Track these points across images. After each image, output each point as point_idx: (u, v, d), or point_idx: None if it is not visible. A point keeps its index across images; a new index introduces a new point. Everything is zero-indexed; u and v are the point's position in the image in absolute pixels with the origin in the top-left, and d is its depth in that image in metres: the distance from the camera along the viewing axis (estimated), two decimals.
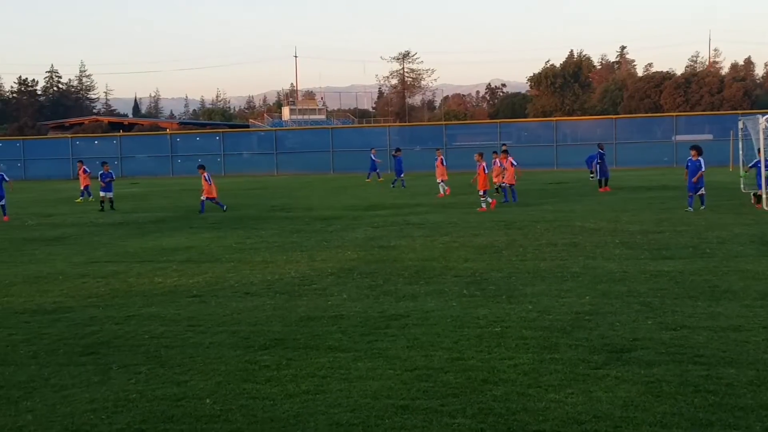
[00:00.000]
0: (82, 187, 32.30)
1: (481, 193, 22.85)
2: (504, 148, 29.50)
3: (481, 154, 23.56)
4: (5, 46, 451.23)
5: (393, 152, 35.10)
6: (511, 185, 25.15)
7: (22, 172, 54.94)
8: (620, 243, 14.68)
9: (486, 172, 22.98)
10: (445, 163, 29.83)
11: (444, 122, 70.60)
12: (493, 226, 18.05)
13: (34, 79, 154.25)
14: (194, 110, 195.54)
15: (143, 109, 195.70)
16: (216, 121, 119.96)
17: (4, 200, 23.17)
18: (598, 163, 29.72)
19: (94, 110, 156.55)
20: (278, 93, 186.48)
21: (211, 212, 24.55)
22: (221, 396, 6.48)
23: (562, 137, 53.53)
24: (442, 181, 29.09)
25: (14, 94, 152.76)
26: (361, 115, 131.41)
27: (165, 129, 78.42)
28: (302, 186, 38.50)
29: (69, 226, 21.41)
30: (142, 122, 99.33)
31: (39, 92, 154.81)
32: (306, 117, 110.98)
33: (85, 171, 33.03)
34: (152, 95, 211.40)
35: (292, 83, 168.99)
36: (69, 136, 67.43)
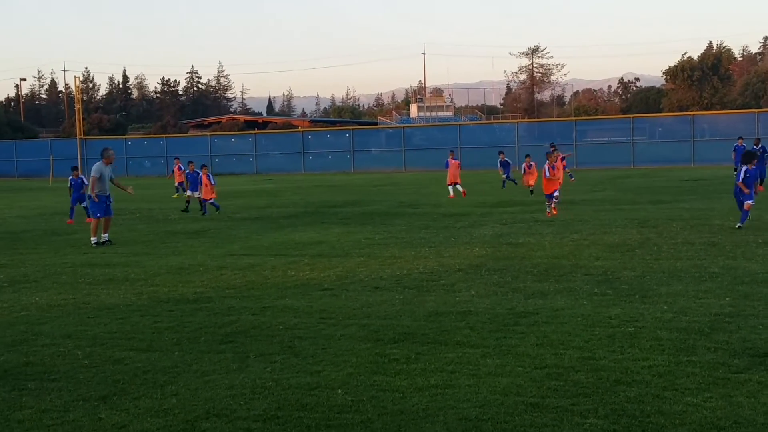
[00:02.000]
0: (176, 183, 34.17)
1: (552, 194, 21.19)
2: (552, 148, 28.14)
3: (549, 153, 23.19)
4: (150, 49, 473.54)
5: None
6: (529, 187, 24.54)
7: (165, 168, 57.41)
8: (763, 243, 14.03)
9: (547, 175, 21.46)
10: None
11: (574, 118, 69.26)
12: (626, 224, 17.60)
13: (176, 80, 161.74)
14: (325, 108, 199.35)
15: (276, 107, 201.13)
16: (346, 118, 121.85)
17: (84, 203, 21.21)
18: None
19: (231, 109, 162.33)
20: (406, 90, 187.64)
21: (341, 207, 25.02)
22: (352, 387, 6.62)
23: (699, 132, 51.52)
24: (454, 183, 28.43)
25: (158, 95, 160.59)
26: (489, 111, 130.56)
27: (297, 127, 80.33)
28: (430, 182, 38.64)
29: (208, 220, 22.30)
30: (275, 120, 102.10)
31: (180, 92, 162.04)
32: (434, 114, 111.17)
33: (180, 168, 34.21)
34: (285, 94, 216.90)
35: (420, 80, 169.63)
36: (208, 134, 70.18)
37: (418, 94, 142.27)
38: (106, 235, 17.12)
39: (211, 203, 24.50)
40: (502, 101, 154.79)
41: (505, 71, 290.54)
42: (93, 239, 16.90)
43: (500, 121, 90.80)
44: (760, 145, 27.44)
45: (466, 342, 8.01)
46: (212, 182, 24.52)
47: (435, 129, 66.73)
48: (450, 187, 28.55)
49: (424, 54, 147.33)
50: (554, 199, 20.88)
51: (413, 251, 14.67)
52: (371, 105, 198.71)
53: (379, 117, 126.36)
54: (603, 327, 8.44)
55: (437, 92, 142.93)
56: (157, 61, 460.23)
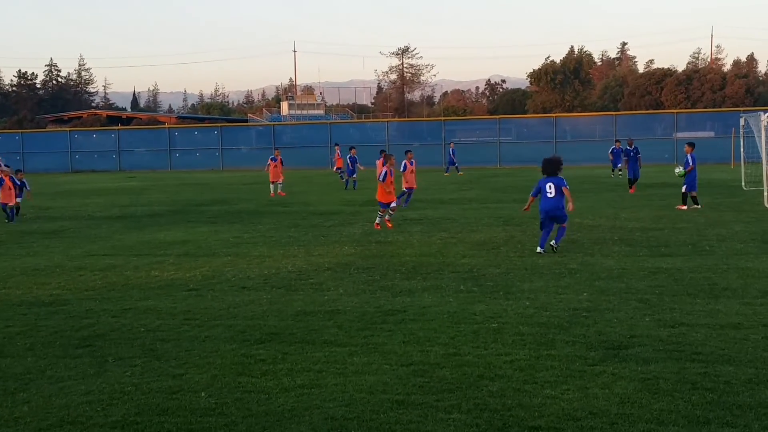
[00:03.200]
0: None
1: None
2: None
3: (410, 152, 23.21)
4: (5, 40, 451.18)
5: (349, 150, 33.20)
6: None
7: (21, 165, 54.72)
8: (618, 240, 14.66)
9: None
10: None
11: (443, 118, 70.54)
12: (492, 223, 18.03)
13: (33, 73, 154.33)
14: (193, 104, 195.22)
15: (142, 103, 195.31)
16: (214, 115, 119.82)
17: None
18: (625, 159, 28.35)
19: (93, 104, 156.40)
20: (277, 88, 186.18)
21: (209, 206, 24.53)
22: (216, 389, 6.46)
23: (561, 134, 53.46)
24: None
25: (14, 88, 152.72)
26: (360, 110, 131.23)
27: (163, 123, 78.31)
28: (300, 181, 38.45)
29: (66, 219, 21.38)
30: (140, 116, 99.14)
31: (38, 86, 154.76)
32: (305, 112, 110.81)
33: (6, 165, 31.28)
34: (151, 89, 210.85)
35: (291, 78, 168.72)
36: (68, 129, 67.28)
37: (288, 92, 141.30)
38: None
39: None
40: (373, 100, 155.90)
41: (375, 71, 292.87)
42: None
43: (371, 120, 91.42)
44: (633, 146, 28.30)
45: (333, 341, 7.97)
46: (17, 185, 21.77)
47: (306, 127, 66.48)
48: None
49: (294, 51, 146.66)
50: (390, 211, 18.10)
51: (282, 250, 14.53)
52: (241, 102, 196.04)
53: (249, 114, 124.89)
54: (468, 323, 8.58)
55: (308, 90, 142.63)
56: (12, 53, 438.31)
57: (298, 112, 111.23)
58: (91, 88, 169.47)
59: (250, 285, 11.18)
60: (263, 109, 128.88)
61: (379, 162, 20.26)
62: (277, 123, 73.99)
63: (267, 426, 5.65)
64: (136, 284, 11.39)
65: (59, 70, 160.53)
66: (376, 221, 17.78)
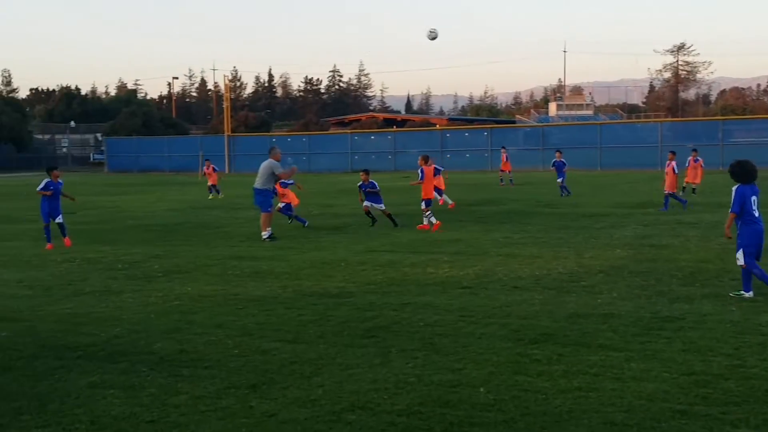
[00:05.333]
0: (210, 185, 32.85)
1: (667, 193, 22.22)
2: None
3: (673, 153, 23.14)
4: (293, 49, 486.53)
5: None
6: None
7: (308, 165, 58.84)
8: None
9: (676, 172, 22.28)
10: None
11: (720, 117, 66.28)
12: None
13: (318, 79, 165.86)
14: (462, 107, 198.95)
15: (415, 105, 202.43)
16: (483, 117, 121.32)
17: (60, 217, 17.18)
18: None
19: (371, 107, 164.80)
20: (545, 89, 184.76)
21: (478, 206, 24.97)
22: (494, 386, 6.64)
23: None
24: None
25: (301, 93, 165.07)
26: (631, 110, 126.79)
27: (435, 125, 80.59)
28: (568, 182, 37.91)
29: (348, 216, 22.76)
30: (413, 118, 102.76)
31: (322, 91, 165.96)
32: (573, 112, 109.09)
33: (214, 169, 33.66)
34: (423, 92, 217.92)
35: (559, 78, 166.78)
36: (348, 131, 71.44)
37: (557, 92, 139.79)
38: (264, 233, 17.50)
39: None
40: (644, 100, 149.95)
41: (648, 69, 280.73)
42: (264, 233, 17.37)
43: (642, 120, 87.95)
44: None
45: (609, 345, 7.87)
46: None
47: (574, 128, 65.31)
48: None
49: (564, 52, 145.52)
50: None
51: (552, 251, 14.49)
52: (509, 103, 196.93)
53: (517, 116, 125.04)
54: (753, 334, 8.11)
55: (577, 90, 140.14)
56: (301, 61, 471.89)
57: (567, 112, 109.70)
58: (369, 93, 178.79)
59: (521, 285, 11.29)
60: (531, 110, 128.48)
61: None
62: (545, 124, 73.49)
63: (545, 426, 5.74)
64: (414, 280, 11.91)
65: (341, 76, 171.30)
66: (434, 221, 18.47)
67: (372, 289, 11.20)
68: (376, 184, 19.73)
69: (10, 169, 76.97)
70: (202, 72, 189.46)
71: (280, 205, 20.15)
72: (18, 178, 61.26)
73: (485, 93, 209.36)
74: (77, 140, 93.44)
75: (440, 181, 23.60)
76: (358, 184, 19.88)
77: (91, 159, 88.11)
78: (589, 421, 5.78)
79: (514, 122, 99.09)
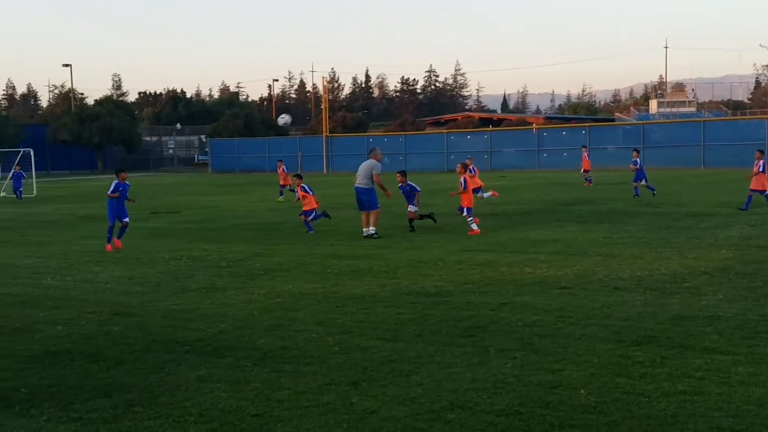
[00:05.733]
0: (281, 185, 32.39)
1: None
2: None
3: (761, 152, 22.39)
4: (390, 50, 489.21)
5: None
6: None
7: (404, 165, 59.09)
8: None
9: (762, 170, 21.88)
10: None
11: None
12: None
13: (414, 79, 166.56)
14: (560, 105, 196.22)
15: (511, 104, 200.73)
16: (581, 115, 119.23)
17: (128, 218, 17.45)
18: None
19: (466, 106, 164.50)
20: (645, 86, 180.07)
21: (576, 205, 24.62)
22: (595, 388, 6.57)
23: None
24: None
25: (397, 93, 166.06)
26: (736, 106, 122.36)
27: (531, 124, 79.74)
28: (670, 181, 36.97)
29: (444, 215, 22.73)
30: (510, 117, 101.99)
31: (418, 91, 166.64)
32: (675, 110, 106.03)
33: (285, 170, 32.91)
34: (520, 91, 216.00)
35: (660, 75, 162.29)
36: (444, 131, 71.49)
37: (658, 89, 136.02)
38: (372, 229, 17.76)
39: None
40: (750, 96, 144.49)
41: (754, 65, 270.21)
42: (371, 230, 17.70)
43: (748, 117, 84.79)
44: None
45: (714, 348, 7.67)
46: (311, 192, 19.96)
47: (676, 125, 63.39)
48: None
49: (665, 48, 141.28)
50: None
51: (654, 252, 14.18)
52: (608, 101, 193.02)
53: (616, 113, 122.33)
54: None
55: (679, 87, 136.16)
56: (397, 61, 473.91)
57: (668, 110, 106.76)
58: (465, 92, 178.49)
59: (622, 286, 11.10)
60: (631, 107, 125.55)
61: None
62: (645, 122, 71.69)
63: (649, 429, 5.64)
64: (511, 280, 11.86)
65: (437, 76, 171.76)
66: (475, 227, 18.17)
67: (469, 289, 11.21)
68: (416, 186, 19.58)
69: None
70: (301, 74, 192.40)
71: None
72: (129, 178, 63.55)
73: (583, 90, 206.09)
74: (183, 142, 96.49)
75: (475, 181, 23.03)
76: (398, 186, 19.60)
77: (196, 160, 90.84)
78: (694, 426, 5.66)
79: (613, 120, 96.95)
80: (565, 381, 6.77)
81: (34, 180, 41.79)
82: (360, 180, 18.16)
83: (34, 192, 39.66)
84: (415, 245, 16.22)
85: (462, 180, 18.83)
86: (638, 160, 28.67)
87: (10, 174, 38.95)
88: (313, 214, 19.55)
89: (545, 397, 6.37)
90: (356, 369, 7.36)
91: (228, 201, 31.67)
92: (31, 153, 44.12)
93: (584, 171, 36.45)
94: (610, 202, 25.82)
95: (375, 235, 17.58)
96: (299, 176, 21.15)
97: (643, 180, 28.06)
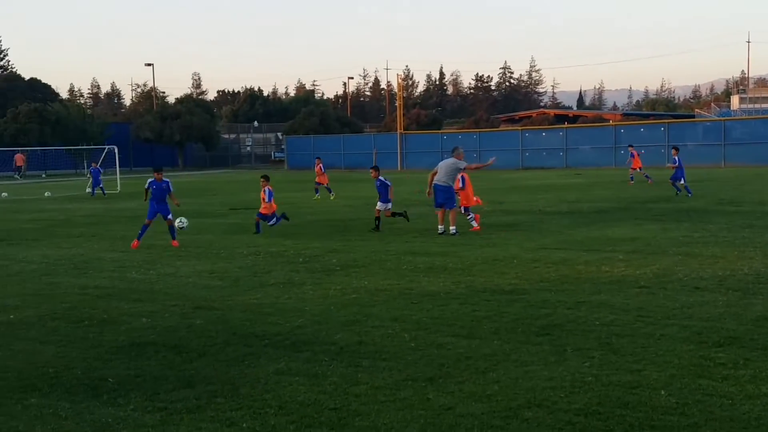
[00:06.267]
0: (323, 184, 31.66)
1: None
2: None
3: None
4: (465, 47, 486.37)
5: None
6: None
7: (478, 162, 58.78)
8: None
9: None
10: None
11: None
12: None
13: (489, 76, 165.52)
14: (637, 101, 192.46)
15: (587, 101, 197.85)
16: (659, 111, 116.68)
17: (170, 217, 17.48)
18: None
19: (541, 103, 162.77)
20: (727, 81, 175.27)
21: (655, 203, 24.17)
22: (676, 389, 6.47)
23: None
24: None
25: (471, 90, 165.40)
26: None
27: (608, 120, 78.43)
28: (753, 179, 35.94)
29: (520, 213, 22.64)
30: (586, 114, 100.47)
31: (492, 88, 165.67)
32: (757, 106, 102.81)
33: (322, 169, 32.32)
34: (596, 87, 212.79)
35: (742, 70, 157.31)
36: (519, 128, 70.88)
37: (739, 85, 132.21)
38: (453, 228, 17.74)
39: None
40: None
41: None
42: (451, 229, 17.72)
43: None
44: None
45: None
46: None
47: (758, 122, 61.48)
48: None
49: (748, 42, 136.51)
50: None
51: (736, 251, 13.84)
52: (687, 97, 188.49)
53: (696, 110, 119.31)
54: None
55: (761, 83, 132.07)
56: (471, 58, 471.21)
57: (750, 106, 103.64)
58: (540, 89, 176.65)
59: (703, 286, 10.87)
60: (711, 103, 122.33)
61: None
62: (726, 118, 69.74)
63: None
64: (588, 278, 11.73)
65: (512, 73, 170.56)
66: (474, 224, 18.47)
67: (545, 287, 11.13)
68: (387, 180, 19.65)
69: (201, 166, 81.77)
70: (375, 72, 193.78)
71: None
72: (208, 175, 65.09)
73: (662, 86, 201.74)
74: (260, 139, 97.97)
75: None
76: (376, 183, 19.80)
77: (273, 157, 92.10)
78: None
79: (693, 116, 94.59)
80: (644, 381, 6.69)
81: (117, 176, 42.99)
82: (440, 177, 18.11)
83: (118, 188, 40.78)
84: (490, 243, 16.17)
85: (460, 177, 18.85)
86: (677, 158, 27.87)
87: (88, 171, 39.90)
88: (274, 219, 19.47)
89: (624, 398, 6.30)
90: (432, 365, 7.41)
91: (304, 197, 32.05)
92: (115, 150, 45.42)
93: (632, 169, 35.83)
94: (690, 200, 25.27)
95: (456, 234, 17.52)
96: (266, 177, 20.24)
97: (682, 180, 27.30)
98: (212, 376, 7.29)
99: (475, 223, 18.53)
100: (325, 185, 32.05)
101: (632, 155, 36.40)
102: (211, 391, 6.83)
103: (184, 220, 18.26)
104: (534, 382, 6.77)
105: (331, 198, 31.23)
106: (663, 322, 8.82)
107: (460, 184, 18.86)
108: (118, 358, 7.97)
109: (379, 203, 19.47)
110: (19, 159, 66.28)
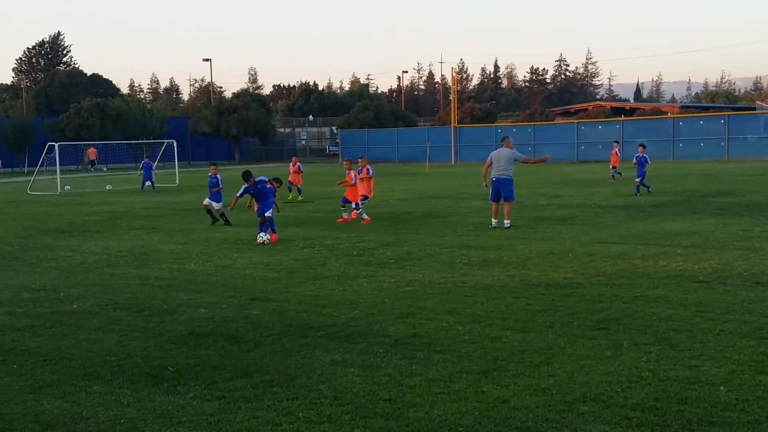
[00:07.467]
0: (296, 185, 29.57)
1: None
2: None
3: None
4: (520, 39, 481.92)
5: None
6: None
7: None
8: None
9: None
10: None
11: None
12: None
13: (544, 68, 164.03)
14: (696, 93, 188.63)
15: (644, 93, 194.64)
16: (719, 104, 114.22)
17: (219, 204, 19.67)
18: None
19: (597, 96, 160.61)
20: None
21: (714, 197, 23.72)
22: (735, 385, 6.38)
23: None
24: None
25: (526, 83, 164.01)
26: None
27: (666, 113, 77.04)
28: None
29: (575, 207, 22.41)
30: (643, 107, 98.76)
31: (548, 80, 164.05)
32: None
33: (300, 169, 30.12)
34: (654, 79, 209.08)
35: None
36: (575, 121, 70.11)
37: None
38: (507, 221, 17.59)
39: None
40: None
41: None
42: (505, 222, 17.60)
43: None
44: None
45: None
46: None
47: None
48: None
49: None
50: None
51: None
52: (748, 89, 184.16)
53: (758, 102, 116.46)
54: None
55: None
56: (526, 51, 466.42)
57: None
58: (596, 81, 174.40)
59: (764, 281, 10.67)
60: None
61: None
62: None
63: None
64: (645, 273, 11.59)
65: (567, 65, 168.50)
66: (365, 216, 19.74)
67: (601, 281, 11.03)
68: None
69: (257, 160, 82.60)
70: (429, 65, 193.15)
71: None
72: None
73: (722, 78, 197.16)
74: (315, 133, 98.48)
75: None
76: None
77: (327, 151, 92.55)
78: None
79: (754, 109, 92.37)
80: (703, 377, 6.60)
81: (176, 170, 43.68)
82: (503, 170, 17.72)
83: (177, 182, 41.46)
84: (545, 236, 16.05)
85: (352, 174, 20.00)
86: (646, 155, 27.08)
87: (141, 164, 40.31)
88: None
89: (682, 393, 6.23)
90: (487, 358, 7.41)
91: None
92: (174, 144, 46.16)
93: (612, 167, 35.31)
94: (750, 194, 24.73)
95: (510, 227, 17.39)
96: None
97: (641, 178, 26.45)
98: (269, 366, 7.40)
99: (364, 215, 19.76)
100: (298, 186, 29.44)
101: (615, 151, 36.26)
102: (268, 380, 6.93)
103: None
104: (590, 377, 6.73)
105: (299, 198, 28.73)
106: (722, 317, 8.69)
107: (353, 181, 19.97)
108: (178, 348, 8.14)
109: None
110: (92, 153, 68.19)
